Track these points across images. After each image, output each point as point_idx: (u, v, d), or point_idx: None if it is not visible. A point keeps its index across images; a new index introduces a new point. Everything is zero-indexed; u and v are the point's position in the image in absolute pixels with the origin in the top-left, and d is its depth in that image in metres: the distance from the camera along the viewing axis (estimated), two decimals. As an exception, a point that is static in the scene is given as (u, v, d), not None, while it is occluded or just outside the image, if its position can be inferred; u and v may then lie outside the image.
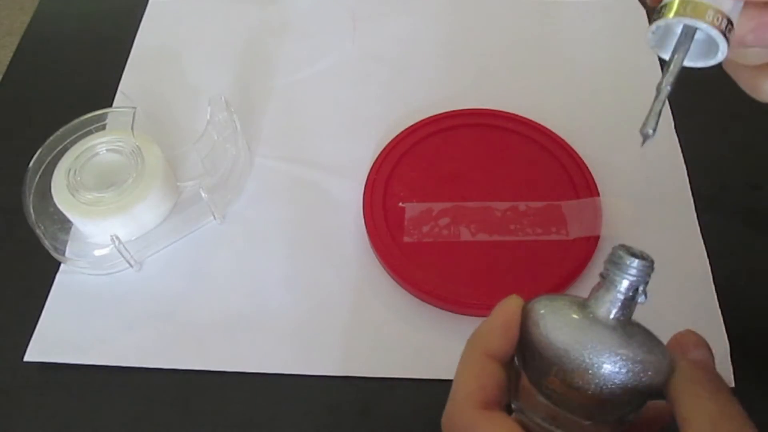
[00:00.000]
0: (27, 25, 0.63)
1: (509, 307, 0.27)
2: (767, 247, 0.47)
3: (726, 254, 0.46)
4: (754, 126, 0.53)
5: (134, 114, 0.48)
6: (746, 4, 0.25)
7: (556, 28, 0.61)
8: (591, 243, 0.46)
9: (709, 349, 0.27)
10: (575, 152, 0.50)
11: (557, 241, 0.46)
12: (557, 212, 0.47)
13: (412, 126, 0.52)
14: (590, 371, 0.24)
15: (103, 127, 0.50)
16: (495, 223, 0.47)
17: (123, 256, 0.45)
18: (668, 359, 0.26)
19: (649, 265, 0.25)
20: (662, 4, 0.26)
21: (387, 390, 0.42)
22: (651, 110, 0.26)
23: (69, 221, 0.47)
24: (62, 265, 0.47)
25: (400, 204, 0.48)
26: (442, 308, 0.44)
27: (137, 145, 0.48)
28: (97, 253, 0.46)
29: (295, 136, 0.54)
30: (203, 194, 0.47)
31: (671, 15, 0.25)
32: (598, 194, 0.48)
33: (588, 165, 0.49)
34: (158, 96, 0.56)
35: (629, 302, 0.25)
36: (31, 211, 0.46)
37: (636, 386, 0.25)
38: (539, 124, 0.52)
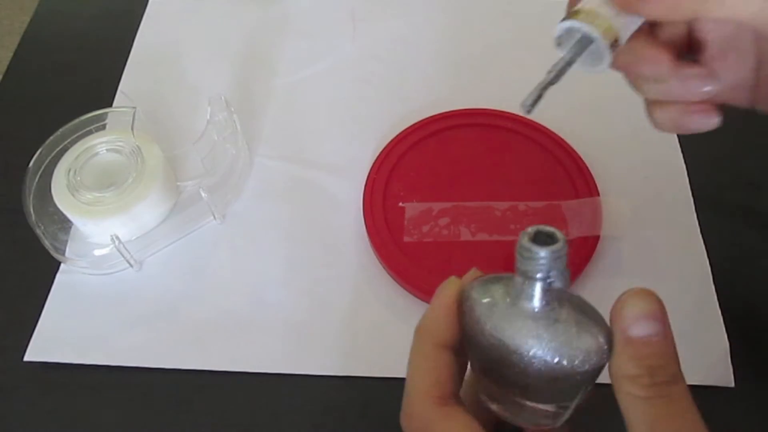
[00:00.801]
0: (27, 25, 0.63)
1: (448, 291, 0.26)
2: (767, 247, 0.47)
3: (726, 254, 0.46)
4: (754, 126, 0.53)
5: (134, 114, 0.48)
6: (629, 40, 0.29)
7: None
8: (591, 243, 0.46)
9: (655, 318, 0.23)
10: (575, 152, 0.50)
11: (557, 241, 0.46)
12: (557, 212, 0.47)
13: (412, 126, 0.52)
14: (515, 363, 0.24)
15: (103, 127, 0.50)
16: (495, 223, 0.47)
17: (123, 256, 0.45)
18: (602, 341, 0.24)
19: (556, 251, 0.23)
20: (575, 8, 0.30)
21: (387, 390, 0.42)
22: (534, 88, 0.31)
23: (69, 221, 0.47)
24: (62, 265, 0.47)
25: (400, 204, 0.48)
26: (442, 308, 0.44)
27: (137, 145, 0.48)
28: (97, 253, 0.46)
29: (295, 136, 0.54)
30: (203, 194, 0.47)
31: (577, 19, 0.30)
32: (598, 194, 0.48)
33: (588, 165, 0.49)
34: (158, 96, 0.56)
35: (545, 288, 0.24)
36: (31, 211, 0.46)
37: (567, 374, 0.23)
38: (539, 124, 0.52)
